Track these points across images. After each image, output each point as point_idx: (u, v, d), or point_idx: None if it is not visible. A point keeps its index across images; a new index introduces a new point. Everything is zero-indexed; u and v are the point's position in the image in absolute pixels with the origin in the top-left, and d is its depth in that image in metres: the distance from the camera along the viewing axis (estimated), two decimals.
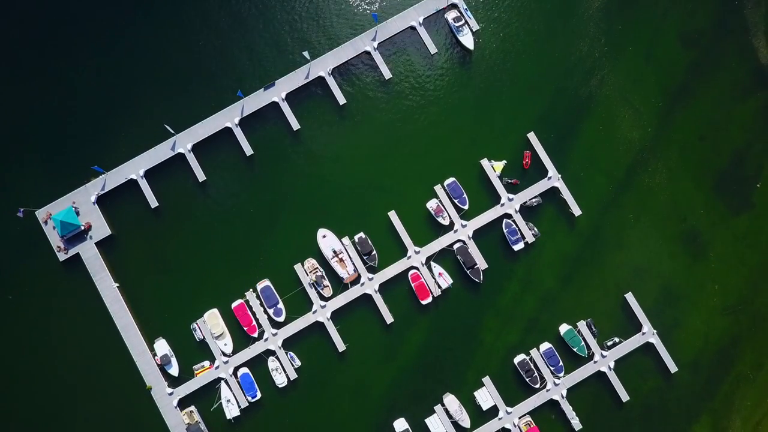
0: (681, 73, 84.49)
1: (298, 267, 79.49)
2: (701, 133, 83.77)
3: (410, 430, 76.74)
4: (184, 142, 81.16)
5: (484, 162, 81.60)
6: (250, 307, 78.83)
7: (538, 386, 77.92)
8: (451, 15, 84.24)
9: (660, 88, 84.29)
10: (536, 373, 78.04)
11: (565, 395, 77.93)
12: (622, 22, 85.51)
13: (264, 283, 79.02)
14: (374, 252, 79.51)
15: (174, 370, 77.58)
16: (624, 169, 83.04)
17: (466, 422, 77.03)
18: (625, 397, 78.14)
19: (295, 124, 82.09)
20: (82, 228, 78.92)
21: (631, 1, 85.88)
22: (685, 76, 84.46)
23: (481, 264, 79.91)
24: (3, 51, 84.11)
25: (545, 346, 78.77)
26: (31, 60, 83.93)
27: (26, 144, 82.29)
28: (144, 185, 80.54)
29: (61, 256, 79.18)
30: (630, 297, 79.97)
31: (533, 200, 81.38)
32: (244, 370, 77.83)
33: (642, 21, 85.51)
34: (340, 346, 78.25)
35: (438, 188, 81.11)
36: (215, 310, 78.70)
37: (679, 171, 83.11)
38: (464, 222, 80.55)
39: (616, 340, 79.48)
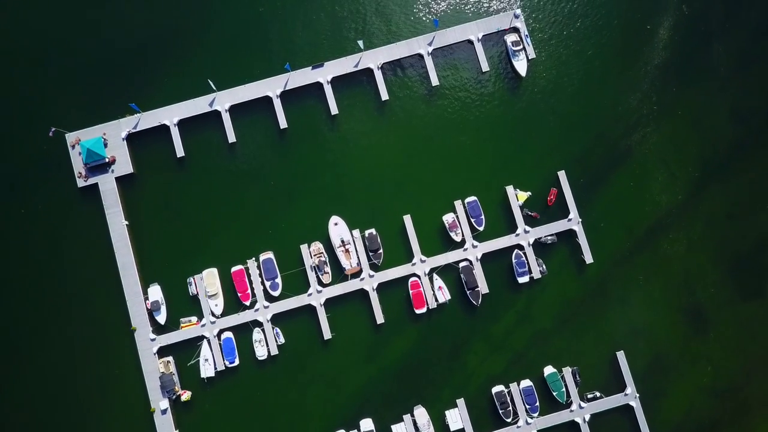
0: (724, 148, 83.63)
1: (303, 247, 79.90)
2: (730, 212, 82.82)
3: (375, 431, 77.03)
4: (223, 100, 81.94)
5: (509, 189, 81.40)
6: (249, 275, 79.36)
7: (509, 420, 77.51)
8: (510, 38, 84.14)
9: (700, 158, 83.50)
10: (511, 407, 77.65)
11: None
12: (677, 84, 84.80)
13: (267, 255, 79.53)
14: (381, 251, 79.66)
15: (161, 317, 78.31)
16: (644, 230, 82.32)
17: None
18: None
19: (333, 109, 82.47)
20: (107, 160, 80.00)
21: (692, 66, 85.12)
22: (727, 152, 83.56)
23: (483, 288, 79.71)
24: None
25: (526, 383, 78.34)
26: None
27: (72, 67, 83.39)
28: (175, 133, 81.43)
29: (80, 183, 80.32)
30: (621, 355, 79.23)
31: (548, 238, 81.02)
32: (228, 334, 78.37)
33: (698, 88, 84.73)
34: (327, 334, 78.49)
35: (458, 204, 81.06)
36: (214, 270, 79.38)
37: (699, 244, 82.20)
38: (476, 243, 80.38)
39: (597, 394, 78.83)
